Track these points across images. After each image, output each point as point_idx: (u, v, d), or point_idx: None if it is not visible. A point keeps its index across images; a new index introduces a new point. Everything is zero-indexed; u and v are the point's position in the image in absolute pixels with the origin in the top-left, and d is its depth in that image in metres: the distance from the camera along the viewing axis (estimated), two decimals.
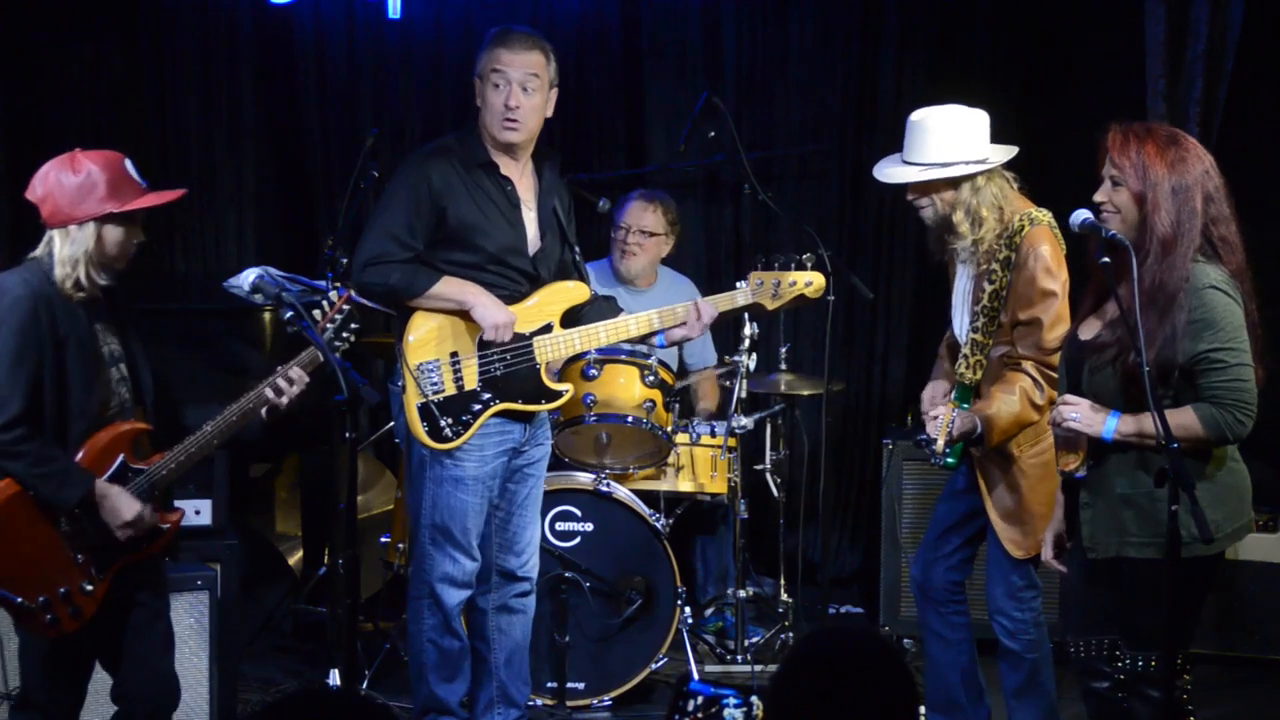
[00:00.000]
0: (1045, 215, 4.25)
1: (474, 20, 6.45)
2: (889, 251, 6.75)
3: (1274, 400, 3.67)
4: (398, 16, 6.46)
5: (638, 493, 5.28)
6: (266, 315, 5.66)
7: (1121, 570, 3.61)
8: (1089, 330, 3.70)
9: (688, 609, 5.28)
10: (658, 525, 5.14)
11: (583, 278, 4.57)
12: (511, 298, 4.39)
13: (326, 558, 5.78)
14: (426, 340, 4.35)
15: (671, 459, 5.40)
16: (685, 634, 5.30)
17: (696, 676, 3.61)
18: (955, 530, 4.46)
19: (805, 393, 5.81)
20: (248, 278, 3.97)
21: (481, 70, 4.38)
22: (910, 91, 6.48)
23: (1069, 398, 3.62)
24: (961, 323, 4.35)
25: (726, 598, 5.74)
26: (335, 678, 5.05)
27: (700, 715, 2.63)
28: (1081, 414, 3.57)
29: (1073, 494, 3.73)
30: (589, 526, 5.13)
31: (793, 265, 4.50)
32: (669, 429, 5.28)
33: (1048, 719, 4.39)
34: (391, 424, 5.49)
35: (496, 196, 4.38)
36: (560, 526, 5.12)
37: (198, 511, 4.76)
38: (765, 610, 5.95)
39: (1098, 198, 3.64)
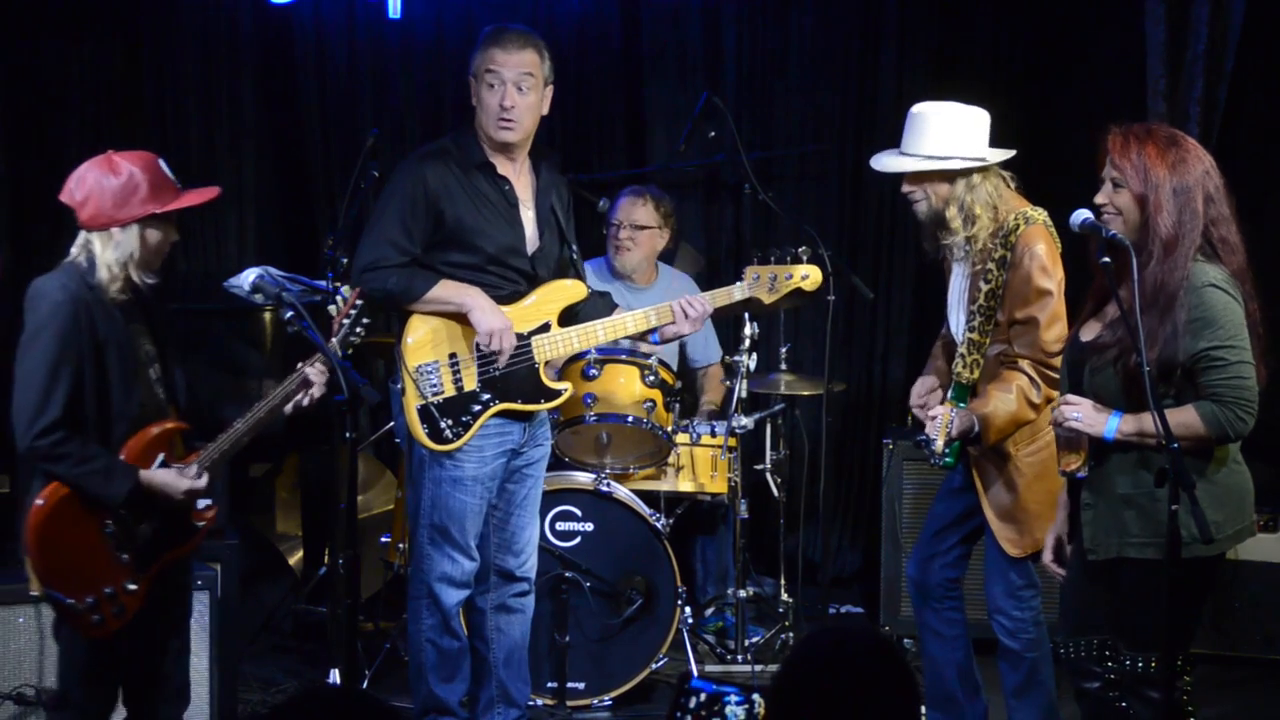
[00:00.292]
0: (1041, 214, 4.25)
1: (474, 20, 6.44)
2: (889, 251, 6.76)
3: (1275, 401, 3.67)
4: (398, 16, 6.45)
5: (638, 493, 5.29)
6: (267, 315, 5.66)
7: (1121, 571, 3.61)
8: (1090, 332, 3.70)
9: (688, 609, 5.28)
10: (658, 525, 5.15)
11: (580, 276, 4.57)
12: (510, 297, 4.39)
13: (327, 558, 5.78)
14: (425, 342, 4.35)
15: (672, 459, 5.40)
16: (685, 634, 5.30)
17: (697, 676, 3.61)
18: (951, 529, 4.47)
19: (805, 392, 5.81)
20: (248, 278, 3.98)
21: (476, 70, 4.37)
22: (910, 91, 6.47)
23: (1070, 397, 3.62)
24: (957, 322, 4.36)
25: (727, 598, 5.74)
26: (335, 678, 5.05)
27: (702, 713, 2.63)
28: (1083, 414, 3.58)
29: (1075, 497, 3.73)
30: (589, 526, 5.13)
31: (789, 260, 4.50)
32: (669, 429, 5.28)
33: (1047, 718, 4.39)
34: (392, 424, 5.50)
35: (494, 197, 4.38)
36: (560, 526, 5.12)
37: None
38: (765, 610, 5.95)
39: (1099, 200, 3.64)
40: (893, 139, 4.43)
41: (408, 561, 5.02)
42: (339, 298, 3.90)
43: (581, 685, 5.09)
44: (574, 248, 4.57)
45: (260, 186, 6.61)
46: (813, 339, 6.52)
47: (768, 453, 5.92)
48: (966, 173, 4.22)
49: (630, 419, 5.17)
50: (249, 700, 5.03)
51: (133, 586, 3.64)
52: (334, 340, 3.89)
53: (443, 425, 4.33)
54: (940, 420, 4.18)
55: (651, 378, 5.22)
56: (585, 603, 5.07)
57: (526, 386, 4.42)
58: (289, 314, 3.77)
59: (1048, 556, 3.86)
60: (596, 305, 4.55)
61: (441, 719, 4.53)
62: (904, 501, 5.69)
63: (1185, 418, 3.49)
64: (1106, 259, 3.53)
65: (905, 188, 4.30)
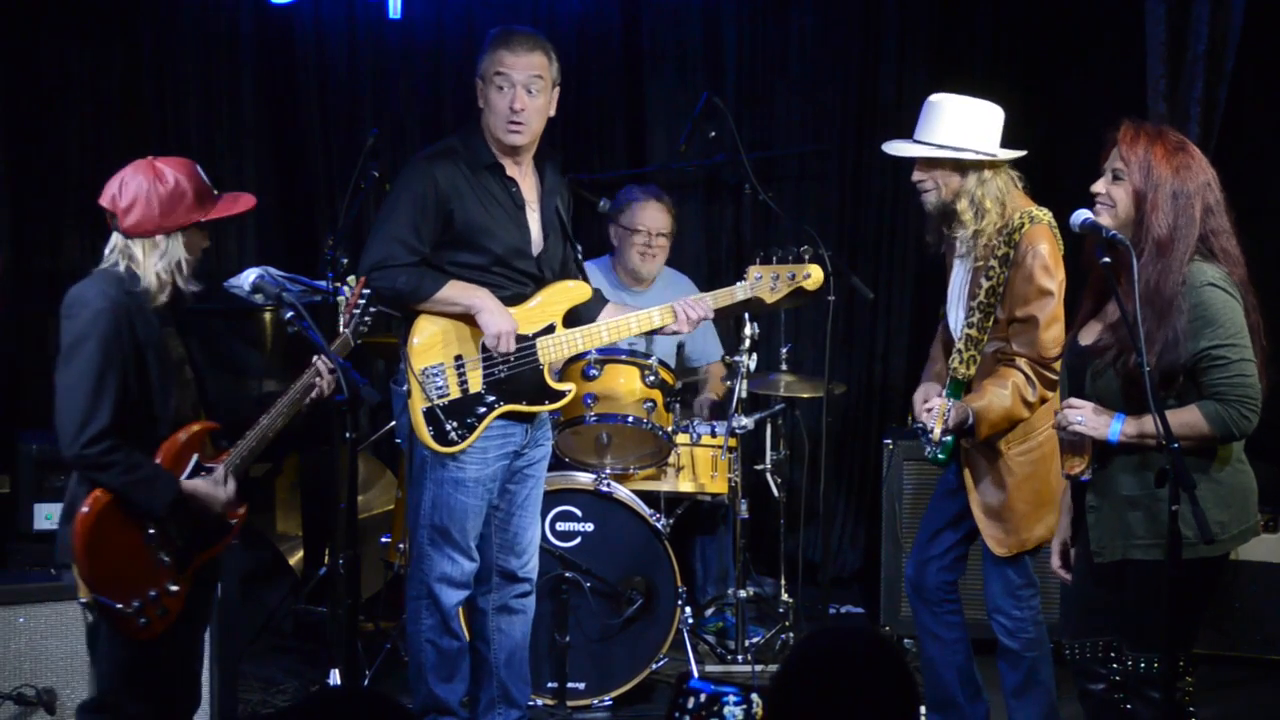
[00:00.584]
0: (1046, 214, 4.25)
1: (475, 20, 6.45)
2: (889, 251, 6.76)
3: (1276, 401, 3.67)
4: (398, 16, 6.46)
5: (638, 493, 5.28)
6: (267, 315, 5.66)
7: (1127, 572, 3.60)
8: (1089, 334, 3.70)
9: (688, 609, 5.28)
10: (658, 525, 5.14)
11: (584, 278, 4.57)
12: (516, 298, 4.39)
13: (327, 558, 5.78)
14: (431, 344, 4.35)
15: (672, 459, 5.40)
16: (685, 634, 5.30)
17: (697, 676, 3.60)
18: (947, 530, 4.47)
19: (805, 393, 5.81)
20: (248, 278, 3.99)
21: (484, 72, 4.37)
22: (910, 91, 6.49)
23: (1073, 401, 3.61)
24: (957, 317, 4.36)
25: (727, 598, 5.74)
26: (335, 678, 5.04)
27: (701, 713, 2.63)
28: (1086, 417, 3.57)
29: (1077, 500, 3.72)
30: (589, 526, 5.13)
31: (791, 259, 4.50)
32: (669, 429, 5.28)
33: (1047, 717, 4.39)
34: (392, 424, 5.50)
35: (502, 198, 4.38)
36: (561, 526, 5.12)
37: None
38: (765, 610, 5.95)
39: (1096, 188, 3.64)
40: (893, 138, 4.42)
41: (408, 561, 5.02)
42: (346, 287, 3.93)
43: (582, 685, 5.10)
44: (578, 249, 4.58)
45: (260, 186, 6.60)
46: (813, 339, 6.52)
47: (768, 453, 5.93)
48: (978, 167, 4.22)
49: (630, 419, 5.17)
50: (249, 700, 5.04)
51: (174, 588, 3.66)
52: (346, 330, 3.94)
53: (448, 427, 4.32)
54: (937, 410, 4.20)
55: (651, 378, 5.22)
56: (585, 603, 5.07)
57: (531, 388, 4.42)
58: (289, 314, 3.78)
59: (1055, 562, 3.85)
60: (593, 307, 4.55)
61: (442, 719, 4.53)
62: (904, 501, 5.69)
63: (1189, 417, 3.49)
64: (1107, 259, 3.53)
65: (916, 175, 4.30)
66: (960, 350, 4.27)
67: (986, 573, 4.40)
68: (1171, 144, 3.58)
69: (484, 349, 4.36)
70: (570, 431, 5.20)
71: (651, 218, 5.82)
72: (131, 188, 3.61)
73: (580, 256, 4.60)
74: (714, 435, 5.48)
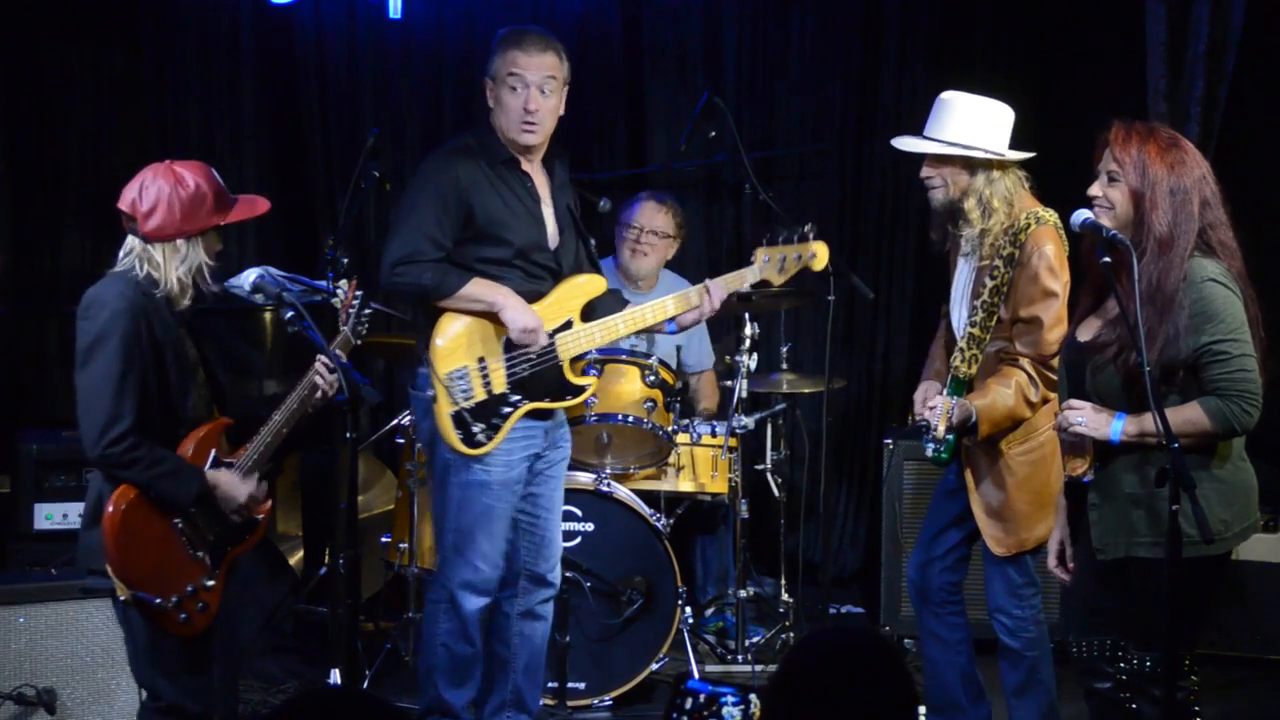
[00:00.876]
0: (1052, 215, 4.25)
1: (475, 20, 6.44)
2: (889, 251, 6.76)
3: (1276, 401, 3.67)
4: (398, 16, 6.45)
5: (638, 493, 5.28)
6: (267, 315, 5.66)
7: (1130, 571, 3.60)
8: (1088, 331, 3.70)
9: (688, 609, 5.28)
10: (658, 525, 5.14)
11: (598, 272, 4.58)
12: (533, 295, 4.39)
13: (327, 558, 5.78)
14: (454, 347, 4.33)
15: (672, 459, 5.40)
16: (686, 634, 5.30)
17: (697, 676, 3.60)
18: (949, 530, 4.46)
19: (806, 392, 5.81)
20: (248, 278, 3.99)
21: (496, 72, 4.37)
22: (910, 91, 6.49)
23: (1074, 402, 3.61)
24: (960, 316, 4.36)
25: (727, 598, 5.74)
26: (335, 678, 5.05)
27: (698, 714, 2.63)
28: (1087, 418, 3.57)
29: (1076, 499, 3.72)
30: (589, 526, 5.13)
31: (796, 239, 4.51)
32: (669, 429, 5.28)
33: (1048, 717, 4.39)
34: (392, 424, 5.50)
35: (520, 192, 4.39)
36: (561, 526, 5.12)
37: None
38: (766, 610, 5.95)
39: (1092, 191, 3.64)
40: (893, 138, 4.42)
41: (408, 561, 5.02)
42: (339, 290, 3.94)
43: (582, 685, 5.10)
44: (592, 243, 4.58)
45: (260, 186, 6.59)
46: (813, 339, 6.52)
47: (768, 453, 5.93)
48: (988, 166, 4.22)
49: (630, 419, 5.17)
50: (249, 700, 5.03)
51: (210, 583, 3.68)
52: (345, 329, 3.95)
53: (475, 429, 4.32)
54: (940, 408, 4.20)
55: (652, 377, 5.22)
56: (586, 603, 5.07)
57: (552, 384, 4.42)
58: (289, 314, 3.79)
59: (1052, 562, 3.85)
60: (609, 302, 4.55)
61: None
62: (904, 501, 5.68)
63: (1190, 414, 3.49)
64: (1107, 259, 3.53)
65: (925, 172, 4.29)
66: (962, 349, 4.27)
67: (988, 572, 4.40)
68: (1164, 141, 3.58)
69: (507, 348, 4.35)
70: (570, 431, 5.19)
71: (644, 214, 5.81)
72: (152, 192, 3.62)
73: (594, 252, 4.61)
74: (714, 435, 5.48)
